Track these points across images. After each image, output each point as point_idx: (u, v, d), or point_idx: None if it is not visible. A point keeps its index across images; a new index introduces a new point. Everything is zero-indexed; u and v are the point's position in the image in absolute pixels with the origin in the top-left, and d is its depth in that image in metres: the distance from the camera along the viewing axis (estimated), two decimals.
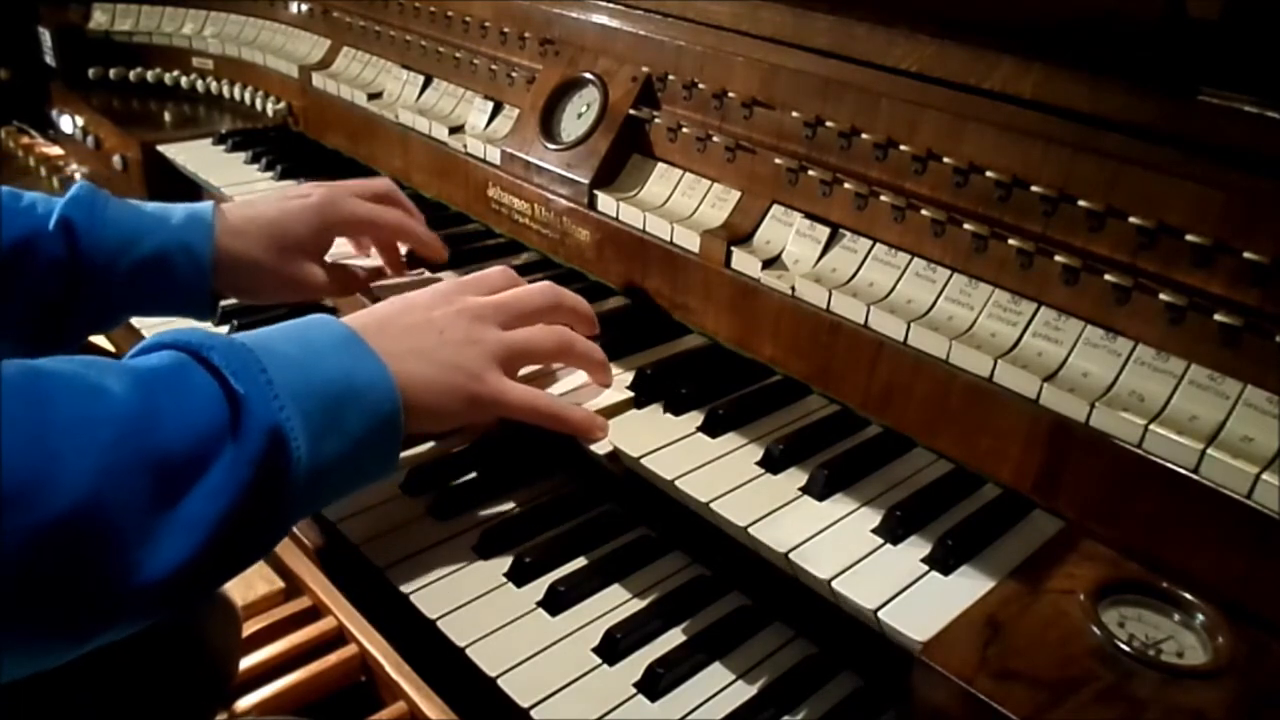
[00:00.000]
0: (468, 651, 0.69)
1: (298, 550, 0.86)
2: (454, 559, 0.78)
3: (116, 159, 1.40)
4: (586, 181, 1.00)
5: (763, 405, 0.82)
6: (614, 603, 0.76)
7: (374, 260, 1.03)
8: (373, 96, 1.31)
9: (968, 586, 0.63)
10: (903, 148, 0.80)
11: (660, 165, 1.00)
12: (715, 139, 0.93)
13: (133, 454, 0.49)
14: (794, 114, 0.87)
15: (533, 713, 0.65)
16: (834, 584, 0.63)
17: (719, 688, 0.69)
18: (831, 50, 0.85)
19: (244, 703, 0.75)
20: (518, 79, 1.13)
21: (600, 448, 0.76)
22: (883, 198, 0.81)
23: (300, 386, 0.57)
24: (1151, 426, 0.64)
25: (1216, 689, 0.55)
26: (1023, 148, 0.73)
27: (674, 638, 0.73)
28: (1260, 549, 0.60)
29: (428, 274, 1.01)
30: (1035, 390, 0.69)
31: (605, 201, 0.99)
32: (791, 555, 0.65)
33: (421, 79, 1.27)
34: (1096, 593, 0.61)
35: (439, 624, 0.72)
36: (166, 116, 1.53)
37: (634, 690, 0.68)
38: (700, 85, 0.95)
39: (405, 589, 0.75)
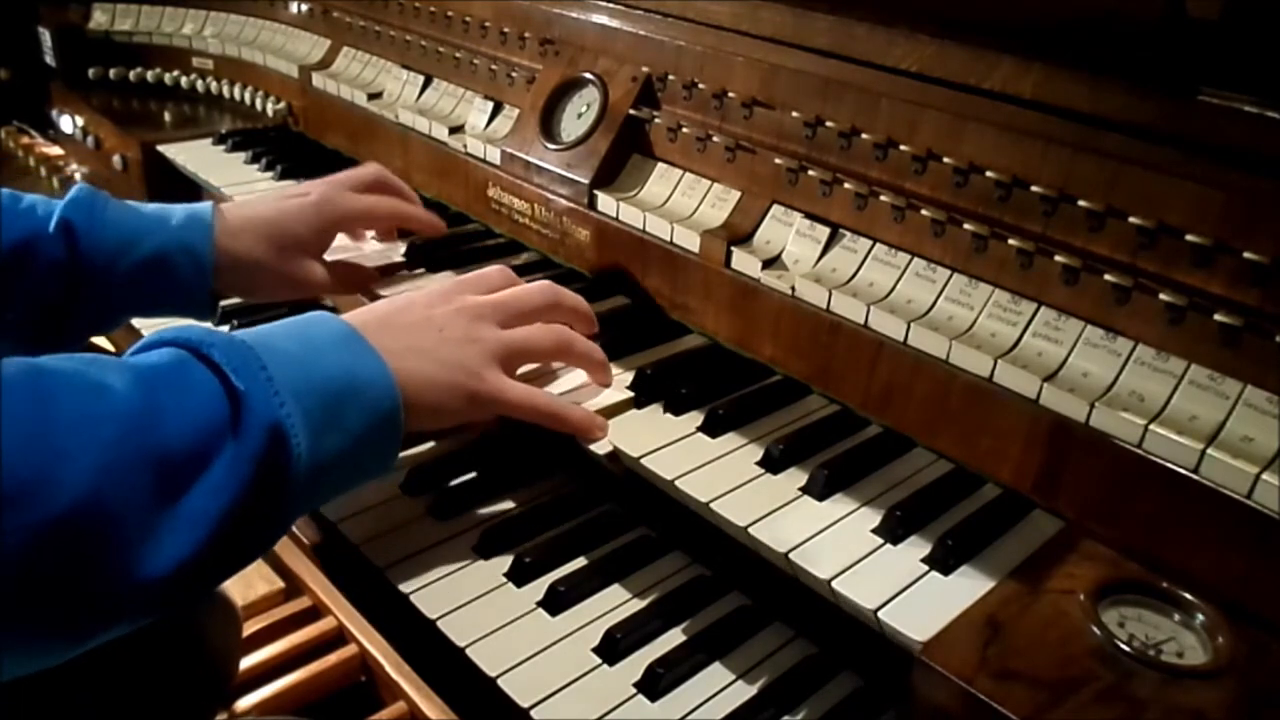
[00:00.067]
0: (468, 651, 0.69)
1: (298, 550, 0.86)
2: (454, 559, 0.78)
3: (116, 159, 1.40)
4: (586, 181, 1.00)
5: (763, 405, 0.82)
6: (614, 603, 0.76)
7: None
8: (373, 96, 1.31)
9: (968, 586, 0.63)
10: (903, 148, 0.80)
11: (660, 165, 1.00)
12: (715, 139, 0.93)
13: (135, 451, 0.49)
14: (794, 114, 0.87)
15: (533, 713, 0.65)
16: (834, 584, 0.63)
17: (719, 688, 0.69)
18: (831, 50, 0.85)
19: (244, 703, 0.75)
20: (518, 79, 1.14)
21: (600, 447, 0.76)
22: (883, 198, 0.81)
23: (300, 383, 0.57)
24: (1151, 426, 0.64)
25: (1216, 689, 0.55)
26: (1023, 148, 0.74)
27: (674, 638, 0.73)
28: (1260, 549, 0.60)
29: (426, 274, 1.01)
30: (1035, 390, 0.69)
31: (605, 201, 0.99)
32: (791, 555, 0.65)
33: (421, 79, 1.27)
34: (1096, 593, 0.61)
35: (439, 624, 0.72)
36: (166, 116, 1.53)
37: (634, 690, 0.68)
38: (700, 85, 0.95)
39: (405, 589, 0.75)
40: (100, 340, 1.19)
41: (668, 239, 0.93)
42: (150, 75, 1.59)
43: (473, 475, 0.89)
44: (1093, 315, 0.71)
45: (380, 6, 1.35)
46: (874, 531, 0.69)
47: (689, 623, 0.75)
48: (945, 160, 0.77)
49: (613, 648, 0.70)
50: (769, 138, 0.91)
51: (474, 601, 0.74)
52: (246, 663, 0.77)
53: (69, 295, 0.80)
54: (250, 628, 0.80)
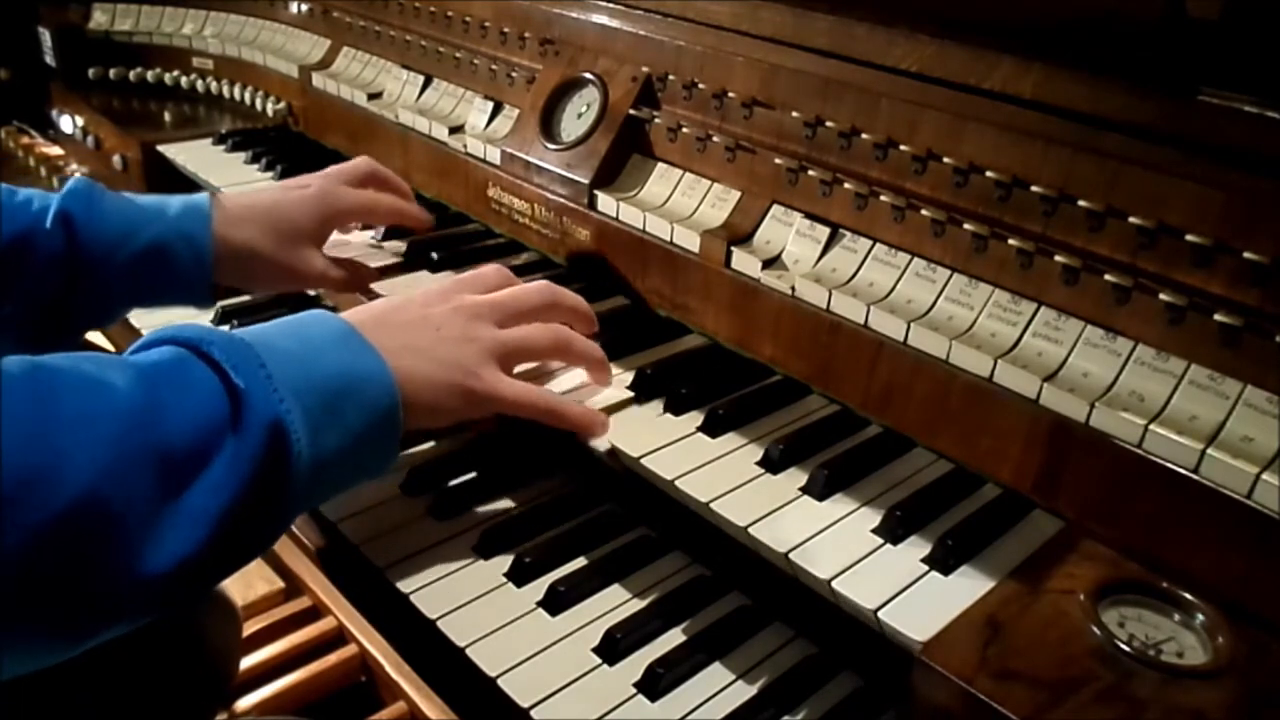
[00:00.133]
0: (468, 651, 0.69)
1: (298, 550, 0.86)
2: (454, 559, 0.78)
3: (116, 159, 1.40)
4: (586, 181, 1.00)
5: (763, 405, 0.82)
6: (614, 603, 0.76)
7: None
8: (373, 96, 1.31)
9: (968, 586, 0.63)
10: (903, 148, 0.80)
11: (660, 165, 1.00)
12: (715, 139, 0.93)
13: (136, 448, 0.49)
14: (794, 114, 0.87)
15: (533, 713, 0.65)
16: (834, 584, 0.63)
17: (719, 688, 0.69)
18: (831, 50, 0.85)
19: (244, 703, 0.75)
20: (518, 79, 1.14)
21: (600, 445, 0.76)
22: (883, 198, 0.81)
23: (300, 381, 0.57)
24: (1151, 426, 0.64)
25: (1216, 689, 0.55)
26: (1023, 148, 0.74)
27: (674, 638, 0.73)
28: (1260, 549, 0.60)
29: (426, 274, 1.01)
30: (1035, 390, 0.69)
31: (605, 201, 0.99)
32: (791, 555, 0.65)
33: (421, 79, 1.27)
34: (1096, 593, 0.61)
35: (439, 624, 0.72)
36: (166, 116, 1.53)
37: (634, 690, 0.68)
38: (700, 85, 0.95)
39: (405, 589, 0.75)
40: (99, 339, 1.19)
41: (668, 239, 0.93)
42: (150, 75, 1.59)
43: (472, 475, 0.89)
44: (1093, 315, 0.71)
45: (380, 6, 1.35)
46: (874, 531, 0.69)
47: (689, 623, 0.75)
48: (945, 160, 0.77)
49: (613, 648, 0.70)
50: (769, 138, 0.91)
51: (474, 601, 0.74)
52: (246, 663, 0.77)
53: (68, 287, 0.80)
54: (250, 628, 0.80)
